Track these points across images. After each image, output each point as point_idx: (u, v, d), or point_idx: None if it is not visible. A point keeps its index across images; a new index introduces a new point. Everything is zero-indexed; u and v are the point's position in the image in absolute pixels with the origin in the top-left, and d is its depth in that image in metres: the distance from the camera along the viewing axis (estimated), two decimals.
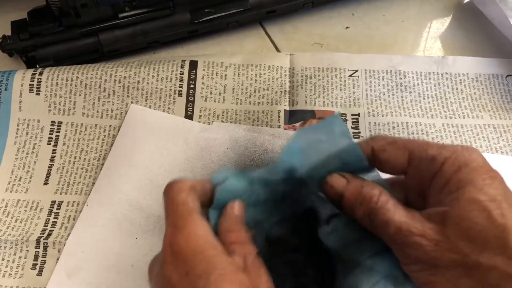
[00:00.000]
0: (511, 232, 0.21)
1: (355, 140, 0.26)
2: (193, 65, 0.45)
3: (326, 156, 0.26)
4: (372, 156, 0.26)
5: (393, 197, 0.24)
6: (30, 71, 0.43)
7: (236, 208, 0.26)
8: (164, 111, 0.43)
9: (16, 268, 0.36)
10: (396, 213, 0.23)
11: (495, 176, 0.23)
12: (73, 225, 0.37)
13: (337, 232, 0.26)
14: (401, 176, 0.26)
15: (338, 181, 0.26)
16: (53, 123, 0.42)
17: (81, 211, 0.38)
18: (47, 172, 0.40)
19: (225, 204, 0.26)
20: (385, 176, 0.27)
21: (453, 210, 0.22)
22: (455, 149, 0.24)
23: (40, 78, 0.42)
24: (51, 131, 0.42)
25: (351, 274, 0.25)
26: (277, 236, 0.28)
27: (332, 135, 0.26)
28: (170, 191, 0.26)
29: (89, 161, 0.41)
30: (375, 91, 0.45)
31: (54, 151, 0.41)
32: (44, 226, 0.38)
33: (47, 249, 0.36)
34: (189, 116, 0.43)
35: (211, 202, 0.27)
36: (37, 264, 0.36)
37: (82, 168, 0.40)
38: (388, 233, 0.23)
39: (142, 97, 0.43)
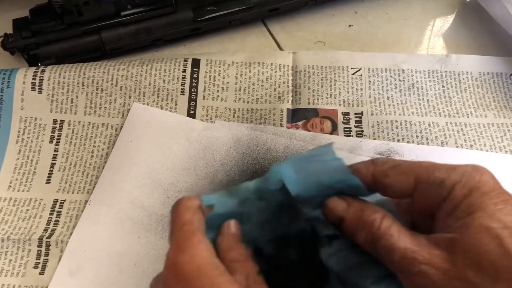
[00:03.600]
0: None
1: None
2: (196, 63, 0.45)
3: (323, 184, 0.25)
4: (373, 182, 0.24)
5: (397, 221, 0.23)
6: (32, 69, 0.43)
7: (232, 227, 0.26)
8: (166, 109, 0.43)
9: (19, 267, 0.36)
10: (401, 239, 0.22)
11: (508, 199, 0.22)
12: (75, 224, 0.37)
13: (339, 254, 0.25)
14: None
15: (338, 204, 0.25)
16: (55, 121, 0.42)
17: (83, 210, 0.38)
18: (49, 171, 0.40)
19: (219, 225, 0.26)
20: None
21: (462, 237, 0.21)
22: (465, 171, 0.22)
23: (42, 76, 0.42)
24: (53, 129, 0.41)
25: None
26: (273, 253, 0.28)
27: (327, 167, 0.25)
28: (177, 209, 0.26)
29: (91, 159, 0.40)
30: (378, 89, 0.44)
31: (56, 150, 0.41)
32: (46, 224, 0.37)
33: (50, 248, 0.36)
34: (191, 114, 0.43)
35: None
36: (39, 263, 0.36)
37: (85, 166, 0.40)
38: (393, 260, 0.22)
39: (144, 96, 0.43)
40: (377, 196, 0.25)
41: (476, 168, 0.23)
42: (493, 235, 0.20)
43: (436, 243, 0.22)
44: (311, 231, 0.27)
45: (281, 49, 0.48)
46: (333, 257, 0.25)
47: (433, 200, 0.23)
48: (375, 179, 0.24)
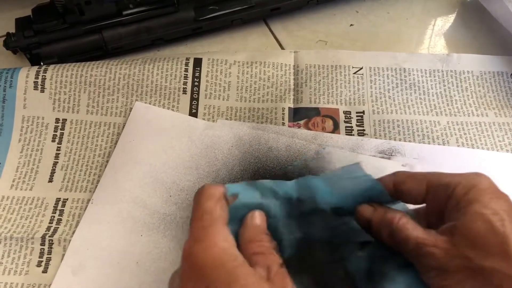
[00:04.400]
0: (510, 239, 0.24)
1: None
2: (198, 62, 0.45)
3: (355, 195, 0.29)
4: (394, 189, 0.28)
5: (412, 220, 0.27)
6: (35, 68, 0.43)
7: (257, 218, 0.26)
8: (168, 108, 0.43)
9: (22, 265, 0.36)
10: (414, 231, 0.26)
11: (501, 196, 0.26)
12: (78, 222, 0.37)
13: (369, 253, 0.29)
14: (424, 205, 0.29)
15: (366, 210, 0.28)
16: (57, 120, 0.42)
17: (86, 209, 0.38)
18: (51, 170, 0.40)
19: (243, 216, 0.26)
20: (412, 207, 0.30)
21: (460, 223, 0.25)
22: (467, 175, 0.27)
23: (45, 76, 0.42)
24: (56, 128, 0.42)
25: (375, 283, 0.27)
26: (298, 251, 0.28)
27: (358, 181, 0.29)
28: (199, 197, 0.25)
29: (93, 158, 0.41)
30: (379, 88, 0.44)
31: (58, 149, 0.41)
32: (49, 223, 0.38)
33: (52, 246, 0.36)
34: (193, 113, 0.43)
35: None
36: (42, 261, 0.36)
37: (87, 165, 0.40)
38: (408, 248, 0.26)
39: (146, 95, 0.43)
40: (400, 206, 0.29)
41: (477, 174, 0.27)
42: (485, 219, 0.24)
43: (441, 231, 0.26)
44: (340, 239, 0.30)
45: (282, 48, 0.49)
46: (363, 258, 0.29)
47: (441, 200, 0.27)
48: (395, 186, 0.28)
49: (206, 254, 0.23)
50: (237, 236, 0.26)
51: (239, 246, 0.25)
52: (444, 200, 0.27)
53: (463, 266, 0.24)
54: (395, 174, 0.29)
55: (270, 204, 0.27)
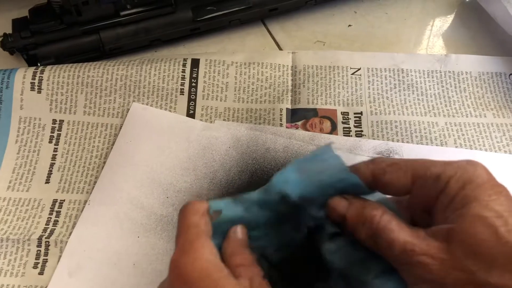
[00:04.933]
0: None
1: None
2: (195, 63, 0.45)
3: (325, 184, 0.26)
4: (372, 180, 0.25)
5: (396, 216, 0.24)
6: (32, 69, 0.43)
7: (239, 232, 0.26)
8: (166, 109, 0.43)
9: (18, 267, 0.35)
10: (400, 233, 0.23)
11: (501, 191, 0.23)
12: (74, 223, 0.37)
13: (341, 250, 0.26)
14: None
15: (339, 203, 0.25)
16: (54, 121, 0.42)
17: (82, 210, 0.38)
18: (48, 171, 0.40)
19: (226, 231, 0.26)
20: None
21: (458, 227, 0.22)
22: (460, 165, 0.23)
23: (42, 76, 0.42)
24: (53, 129, 0.41)
25: None
26: (281, 260, 0.28)
27: (327, 166, 0.26)
28: (184, 212, 0.26)
29: (90, 159, 0.40)
30: (377, 89, 0.44)
31: (55, 150, 0.41)
32: (45, 224, 0.37)
33: (49, 247, 0.36)
34: (191, 114, 0.43)
35: None
36: (38, 263, 0.36)
37: (84, 166, 0.40)
38: (393, 254, 0.23)
39: (143, 96, 0.43)
40: (377, 195, 0.26)
41: (470, 162, 0.23)
42: (487, 224, 0.21)
43: (434, 235, 0.22)
44: (315, 230, 0.27)
45: (280, 49, 0.48)
46: (335, 253, 0.26)
47: (430, 195, 0.24)
48: (375, 177, 0.25)
49: (193, 266, 0.23)
50: (220, 249, 0.26)
51: (222, 259, 0.25)
52: (434, 195, 0.23)
53: (464, 281, 0.21)
54: (374, 161, 0.26)
55: (252, 217, 0.27)
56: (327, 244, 0.26)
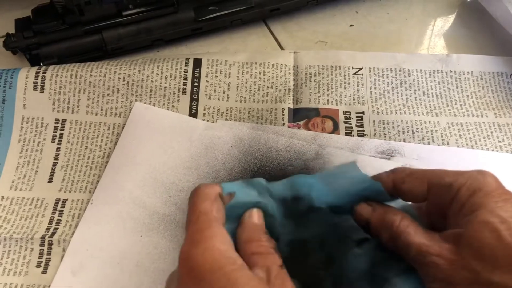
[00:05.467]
0: None
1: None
2: (197, 63, 0.45)
3: (351, 193, 0.28)
4: (393, 188, 0.27)
5: (414, 221, 0.26)
6: (34, 69, 0.43)
7: (255, 216, 0.25)
8: (168, 109, 0.43)
9: (21, 266, 0.36)
10: (417, 236, 0.25)
11: (508, 199, 0.24)
12: (77, 223, 0.37)
13: (368, 253, 0.27)
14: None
15: (364, 209, 0.27)
16: (57, 121, 0.42)
17: (85, 209, 0.38)
18: (51, 170, 0.40)
19: (240, 215, 0.25)
20: None
21: (467, 232, 0.24)
22: (470, 175, 0.25)
23: (44, 76, 0.42)
24: (55, 129, 0.42)
25: None
26: (287, 255, 0.27)
27: (352, 178, 0.28)
28: (195, 197, 0.25)
29: (93, 159, 0.41)
30: (379, 89, 0.44)
31: (58, 149, 0.41)
32: (48, 224, 0.38)
33: (52, 247, 0.36)
34: (193, 114, 0.43)
35: None
36: (42, 261, 0.36)
37: (87, 166, 0.40)
38: (410, 255, 0.25)
39: (146, 95, 0.43)
40: (400, 202, 0.28)
41: (481, 172, 0.25)
42: (492, 229, 0.23)
43: (446, 238, 0.24)
44: (338, 236, 0.29)
45: (282, 49, 0.49)
46: (362, 256, 0.28)
47: (444, 202, 0.26)
48: (395, 185, 0.27)
49: (204, 258, 0.22)
50: (234, 236, 0.25)
51: (237, 246, 0.24)
52: (447, 202, 0.25)
53: (470, 280, 0.23)
54: (394, 171, 0.28)
55: (267, 203, 0.26)
56: (354, 250, 0.28)
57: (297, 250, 0.28)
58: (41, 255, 0.36)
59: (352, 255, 0.28)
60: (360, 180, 0.27)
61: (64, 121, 0.42)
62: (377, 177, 0.28)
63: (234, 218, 0.25)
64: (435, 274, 0.24)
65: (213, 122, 0.42)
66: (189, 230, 0.24)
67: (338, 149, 0.40)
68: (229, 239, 0.24)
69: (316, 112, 0.43)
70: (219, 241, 0.23)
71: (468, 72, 0.46)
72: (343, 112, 0.43)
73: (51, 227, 0.37)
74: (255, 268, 0.23)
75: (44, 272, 0.35)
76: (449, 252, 0.24)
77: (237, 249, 0.24)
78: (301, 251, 0.28)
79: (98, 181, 0.39)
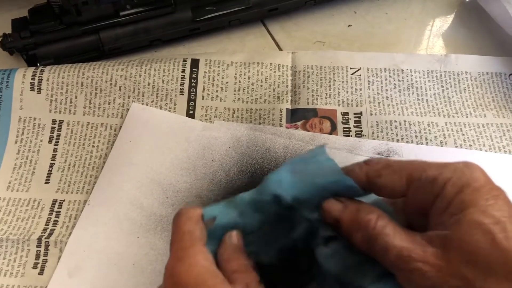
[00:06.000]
0: None
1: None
2: (195, 63, 0.45)
3: (318, 186, 0.25)
4: (367, 182, 0.25)
5: (392, 220, 0.23)
6: (31, 69, 0.43)
7: (234, 238, 0.26)
8: (165, 109, 0.43)
9: (18, 267, 0.35)
10: (396, 238, 0.22)
11: (498, 195, 0.22)
12: (74, 224, 0.37)
13: (336, 255, 0.25)
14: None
15: (334, 206, 0.25)
16: (54, 121, 0.42)
17: (82, 210, 0.38)
18: (48, 171, 0.40)
19: (221, 236, 0.26)
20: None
21: (455, 233, 0.21)
22: (456, 168, 0.23)
23: (41, 77, 0.42)
24: (52, 129, 0.41)
25: None
26: (275, 263, 0.27)
27: (321, 167, 0.25)
28: (178, 219, 0.26)
29: (90, 159, 0.40)
30: (377, 89, 0.44)
31: (55, 150, 0.41)
32: (45, 225, 0.37)
33: (49, 248, 0.36)
34: (190, 114, 0.43)
35: None
36: (38, 263, 0.36)
37: (84, 166, 0.40)
38: (389, 259, 0.22)
39: (143, 96, 0.43)
40: (372, 197, 0.25)
41: (467, 165, 0.23)
42: (485, 231, 0.21)
43: (430, 240, 0.22)
44: (309, 233, 0.26)
45: (280, 49, 0.48)
46: (330, 258, 0.25)
47: (426, 198, 0.23)
48: (369, 179, 0.25)
49: (188, 273, 0.23)
50: (215, 256, 0.26)
51: (218, 266, 0.25)
52: (430, 199, 0.23)
53: None
54: (368, 163, 0.25)
55: (247, 222, 0.27)
56: (322, 249, 0.25)
57: (285, 257, 0.27)
58: (37, 256, 0.36)
59: (320, 255, 0.25)
60: (329, 170, 0.25)
61: (61, 121, 0.42)
62: (349, 169, 0.25)
63: (215, 239, 0.26)
64: (420, 282, 0.21)
65: (210, 122, 0.42)
66: (174, 248, 0.25)
67: (336, 150, 0.40)
68: (211, 257, 0.25)
69: (314, 112, 0.43)
70: (202, 258, 0.24)
71: (466, 73, 0.46)
72: (341, 112, 0.43)
73: (48, 228, 0.37)
74: (235, 285, 0.24)
75: (40, 273, 0.35)
76: (435, 258, 0.21)
77: (219, 268, 0.25)
78: (289, 258, 0.27)
79: (95, 182, 0.39)
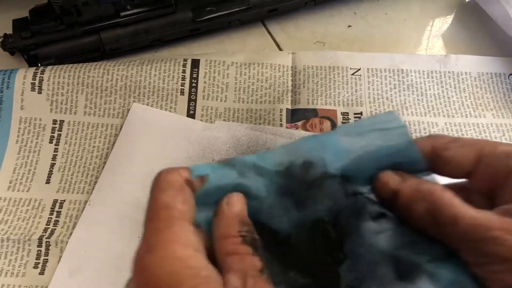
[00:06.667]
0: None
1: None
2: (195, 63, 0.45)
3: (376, 156, 0.23)
4: (431, 156, 0.22)
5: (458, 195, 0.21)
6: (32, 69, 0.43)
7: (234, 204, 0.21)
8: (166, 109, 0.43)
9: (19, 267, 0.36)
10: (467, 208, 0.20)
11: None
12: (75, 224, 0.37)
13: (388, 232, 0.22)
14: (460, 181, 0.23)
15: (392, 177, 0.22)
16: (55, 121, 0.42)
17: (83, 210, 0.38)
18: (49, 171, 0.40)
19: (217, 200, 0.21)
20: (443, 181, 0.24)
21: None
22: None
23: (42, 77, 0.42)
24: (53, 129, 0.42)
25: (409, 277, 0.21)
26: (289, 234, 0.23)
27: (388, 134, 0.23)
28: (156, 185, 0.20)
29: (91, 160, 0.40)
30: (377, 89, 0.44)
31: (56, 150, 0.41)
32: (46, 225, 0.38)
33: (49, 248, 0.36)
34: (191, 114, 0.43)
35: None
36: (39, 263, 0.36)
37: (84, 167, 0.40)
38: (458, 230, 0.20)
39: (144, 96, 0.43)
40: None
41: None
42: None
43: (507, 212, 0.20)
44: (351, 210, 0.23)
45: (280, 49, 0.49)
46: (379, 234, 0.22)
47: (497, 174, 0.21)
48: (435, 151, 0.22)
49: (162, 268, 0.18)
50: (209, 228, 0.21)
51: (213, 242, 0.20)
52: (503, 175, 0.21)
53: None
54: (433, 137, 0.22)
55: (250, 184, 0.21)
56: (370, 224, 0.22)
57: (304, 234, 0.23)
58: (38, 256, 0.36)
59: (368, 231, 0.22)
60: (396, 137, 0.22)
61: (62, 122, 0.42)
62: (413, 141, 0.23)
63: (211, 204, 0.20)
64: (498, 252, 0.19)
65: (211, 122, 0.42)
66: (147, 230, 0.19)
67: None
68: (195, 240, 0.19)
69: (314, 112, 0.43)
70: (181, 245, 0.18)
71: (466, 73, 0.46)
72: (341, 112, 0.43)
73: (49, 228, 0.37)
74: (229, 274, 0.19)
75: (41, 273, 0.35)
76: None
77: (212, 247, 0.20)
78: (309, 235, 0.23)
79: (95, 182, 0.39)
